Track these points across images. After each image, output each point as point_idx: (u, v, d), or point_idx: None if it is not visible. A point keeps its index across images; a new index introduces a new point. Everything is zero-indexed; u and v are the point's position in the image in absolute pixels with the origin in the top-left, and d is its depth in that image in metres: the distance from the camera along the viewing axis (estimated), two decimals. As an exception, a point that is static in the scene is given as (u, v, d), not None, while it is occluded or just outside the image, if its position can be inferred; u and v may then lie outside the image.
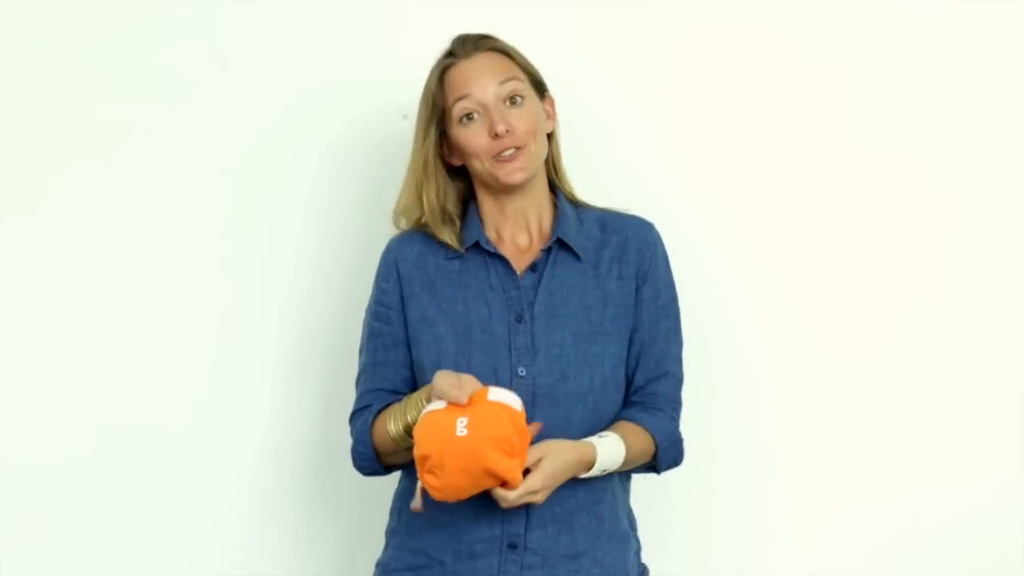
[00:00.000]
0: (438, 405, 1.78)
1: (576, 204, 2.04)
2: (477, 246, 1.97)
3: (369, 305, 2.03)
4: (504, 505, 1.80)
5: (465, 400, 1.76)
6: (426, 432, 1.77)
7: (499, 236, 2.00)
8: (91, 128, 2.37)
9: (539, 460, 1.80)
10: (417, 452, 1.76)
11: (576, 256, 1.97)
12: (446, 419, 1.76)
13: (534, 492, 1.80)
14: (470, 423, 1.74)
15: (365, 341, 2.02)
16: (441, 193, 1.98)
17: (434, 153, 1.97)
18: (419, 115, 1.98)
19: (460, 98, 1.93)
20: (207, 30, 2.39)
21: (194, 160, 2.38)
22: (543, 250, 1.97)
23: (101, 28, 2.37)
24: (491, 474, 1.75)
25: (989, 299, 2.45)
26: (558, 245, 1.97)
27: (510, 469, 1.75)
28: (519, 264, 1.97)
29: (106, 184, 2.37)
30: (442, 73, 1.96)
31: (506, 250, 1.98)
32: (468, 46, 1.96)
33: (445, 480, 1.75)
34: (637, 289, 1.98)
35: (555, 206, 2.01)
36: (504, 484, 1.78)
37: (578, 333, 1.93)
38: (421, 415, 1.79)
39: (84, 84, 2.37)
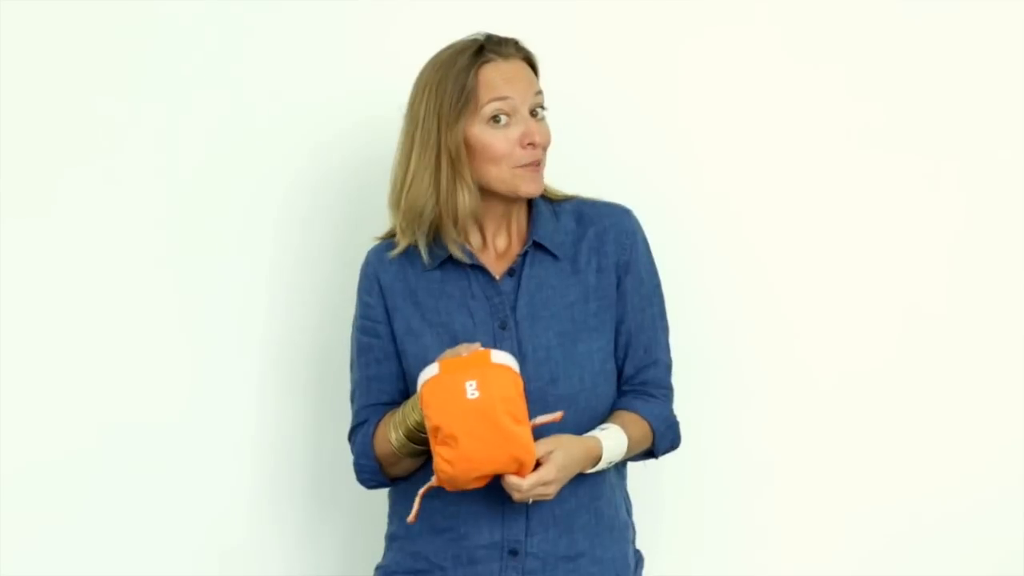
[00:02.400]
0: (433, 370, 1.76)
1: (551, 200, 2.01)
2: (451, 259, 1.94)
3: (355, 320, 2.02)
4: (517, 496, 1.78)
5: (468, 353, 1.76)
6: (434, 401, 1.73)
7: (481, 240, 1.98)
8: (90, 129, 2.35)
9: (550, 452, 1.79)
10: (429, 424, 1.74)
11: (553, 255, 1.96)
12: (453, 383, 1.73)
13: (547, 483, 1.79)
14: (480, 384, 1.72)
15: (355, 356, 2.01)
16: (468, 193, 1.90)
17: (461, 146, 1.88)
18: (439, 102, 1.87)
19: (499, 98, 1.88)
20: (207, 29, 2.37)
21: (189, 163, 2.37)
22: (520, 254, 1.96)
23: (101, 28, 2.34)
24: (506, 439, 1.72)
25: (991, 302, 2.45)
26: (535, 246, 1.96)
27: (521, 435, 1.73)
28: (498, 269, 1.96)
29: (105, 186, 2.35)
30: (480, 67, 1.88)
31: (486, 255, 1.97)
32: (509, 48, 1.91)
33: (459, 451, 1.72)
34: (619, 279, 1.97)
35: (530, 206, 1.99)
36: (517, 470, 1.76)
37: (563, 333, 1.93)
38: (420, 384, 1.76)
39: (83, 85, 2.34)
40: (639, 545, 2.06)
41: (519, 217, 1.99)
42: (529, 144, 1.88)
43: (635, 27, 2.42)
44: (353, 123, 2.39)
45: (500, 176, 1.90)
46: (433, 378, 1.75)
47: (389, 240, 2.00)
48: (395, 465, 1.94)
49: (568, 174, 2.05)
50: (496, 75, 1.88)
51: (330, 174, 2.41)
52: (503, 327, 1.92)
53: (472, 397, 1.71)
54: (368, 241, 2.04)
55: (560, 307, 1.94)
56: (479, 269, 1.95)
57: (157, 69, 2.36)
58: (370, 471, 1.97)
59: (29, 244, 2.34)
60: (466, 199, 1.89)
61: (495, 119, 1.88)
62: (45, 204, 2.35)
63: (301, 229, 2.41)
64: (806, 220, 2.45)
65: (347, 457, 2.01)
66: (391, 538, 2.02)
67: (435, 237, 1.94)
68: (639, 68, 2.43)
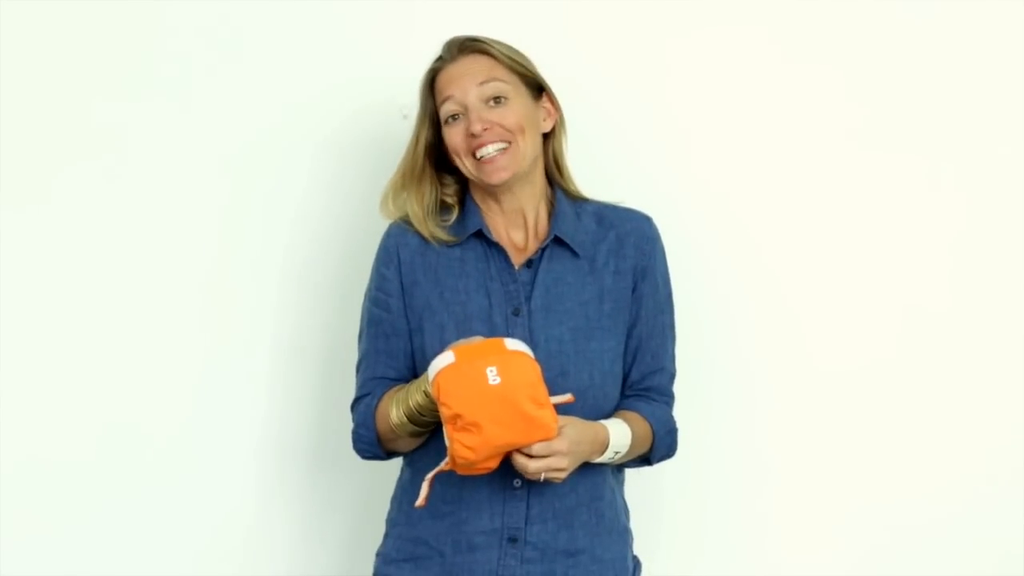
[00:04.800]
0: (448, 358, 1.75)
1: (575, 199, 2.04)
2: (479, 234, 1.97)
3: (368, 290, 2.03)
4: (532, 467, 1.76)
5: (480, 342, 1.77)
6: (453, 388, 1.72)
7: (496, 232, 2.00)
8: (90, 128, 2.36)
9: (562, 427, 1.79)
10: (447, 412, 1.73)
11: (573, 252, 1.98)
12: (473, 370, 1.72)
13: (559, 454, 1.78)
14: (501, 371, 1.71)
15: (365, 327, 2.02)
16: (428, 197, 2.00)
17: (423, 157, 1.99)
18: (416, 119, 2.01)
19: (445, 100, 1.95)
20: (206, 30, 2.39)
21: (191, 160, 2.38)
22: (540, 247, 1.97)
23: (101, 28, 2.37)
24: (528, 423, 1.72)
25: (991, 301, 2.46)
26: (554, 242, 1.98)
27: (544, 418, 1.73)
28: (519, 257, 1.98)
29: (105, 184, 2.37)
30: (432, 77, 1.99)
31: (504, 245, 1.99)
32: (453, 49, 1.98)
33: (482, 437, 1.72)
34: (635, 284, 1.99)
35: (552, 202, 2.01)
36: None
37: (576, 329, 1.94)
38: (435, 373, 1.75)
39: (83, 84, 2.36)
40: (637, 551, 2.06)
41: (539, 213, 2.01)
42: (471, 135, 1.93)
43: (638, 28, 2.44)
44: (360, 119, 2.41)
45: (467, 169, 1.97)
46: (450, 366, 1.74)
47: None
48: (393, 441, 1.95)
49: (574, 171, 2.08)
50: (442, 79, 1.98)
51: (339, 173, 2.42)
52: (516, 313, 1.94)
53: (494, 383, 1.71)
54: (377, 238, 2.05)
55: (575, 303, 1.96)
56: (499, 251, 1.97)
57: (160, 67, 2.38)
58: (367, 441, 1.97)
59: (30, 242, 2.35)
60: (417, 200, 1.99)
61: (452, 118, 1.96)
62: (51, 201, 2.36)
63: (307, 228, 2.42)
64: (808, 220, 2.46)
65: (348, 448, 2.01)
66: (391, 523, 2.02)
67: (459, 215, 1.99)
68: (641, 68, 2.45)
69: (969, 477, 2.45)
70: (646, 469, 2.06)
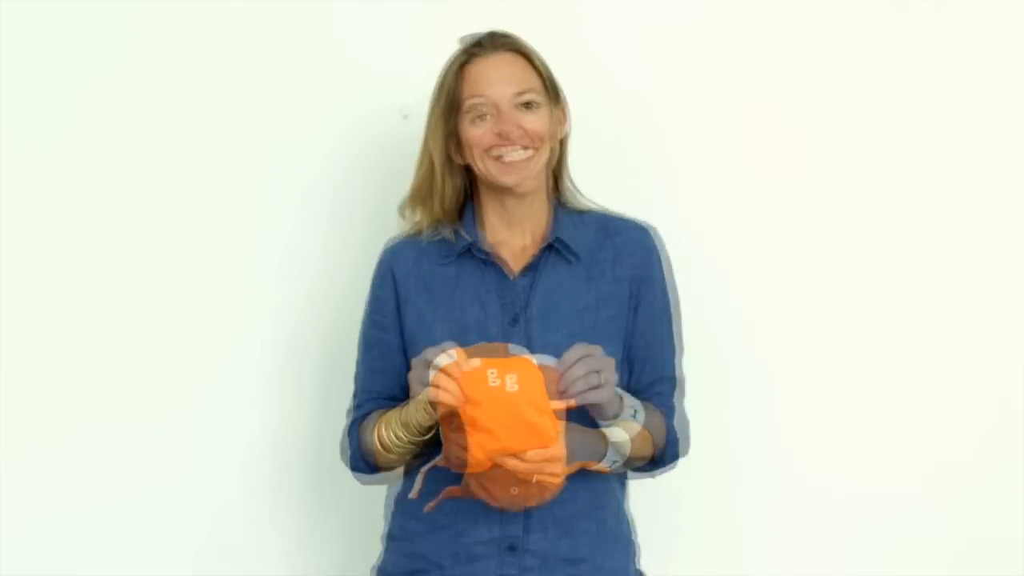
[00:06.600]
0: (448, 359, 1.75)
1: (574, 208, 2.03)
2: (470, 251, 1.97)
3: (366, 313, 2.03)
4: (523, 468, 1.75)
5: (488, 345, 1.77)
6: (473, 391, 1.72)
7: (496, 238, 2.00)
8: (91, 128, 2.36)
9: (559, 433, 1.77)
10: (463, 414, 1.73)
11: (570, 259, 1.97)
12: (482, 375, 1.72)
13: (557, 461, 1.76)
14: (520, 378, 1.72)
15: (362, 350, 2.03)
16: (455, 187, 1.99)
17: (453, 145, 1.97)
18: (433, 106, 1.98)
19: (475, 96, 1.93)
20: (207, 30, 2.40)
21: (193, 162, 2.38)
22: (536, 253, 1.97)
23: (101, 28, 2.37)
24: (530, 429, 1.72)
25: (989, 301, 2.45)
26: (552, 248, 1.97)
27: (545, 425, 1.74)
28: (514, 266, 1.98)
29: (106, 184, 2.37)
30: (462, 66, 1.96)
31: (503, 252, 1.99)
32: (495, 42, 1.96)
33: (496, 441, 1.72)
34: (633, 294, 1.98)
35: (553, 210, 2.01)
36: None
37: (573, 335, 1.92)
38: (454, 370, 1.74)
39: (84, 83, 2.36)
40: (645, 564, 2.05)
41: (540, 220, 2.01)
42: (499, 135, 1.91)
43: (633, 28, 2.44)
44: (366, 124, 2.41)
45: (480, 166, 1.95)
46: (475, 369, 1.73)
47: (408, 237, 2.02)
48: (388, 461, 1.95)
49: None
50: (475, 73, 1.94)
51: (344, 178, 2.42)
52: (514, 323, 1.93)
53: (512, 390, 1.71)
54: (380, 244, 2.06)
55: (572, 310, 1.95)
56: (493, 265, 1.97)
57: (163, 69, 2.38)
58: (364, 464, 1.98)
59: (32, 241, 2.35)
60: (448, 186, 1.97)
61: (476, 115, 1.93)
62: (52, 201, 2.36)
63: (304, 230, 2.42)
64: (806, 221, 2.45)
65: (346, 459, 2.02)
66: (389, 538, 2.01)
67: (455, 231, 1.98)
68: (638, 68, 2.45)
69: (969, 477, 2.44)
70: (652, 482, 2.06)
